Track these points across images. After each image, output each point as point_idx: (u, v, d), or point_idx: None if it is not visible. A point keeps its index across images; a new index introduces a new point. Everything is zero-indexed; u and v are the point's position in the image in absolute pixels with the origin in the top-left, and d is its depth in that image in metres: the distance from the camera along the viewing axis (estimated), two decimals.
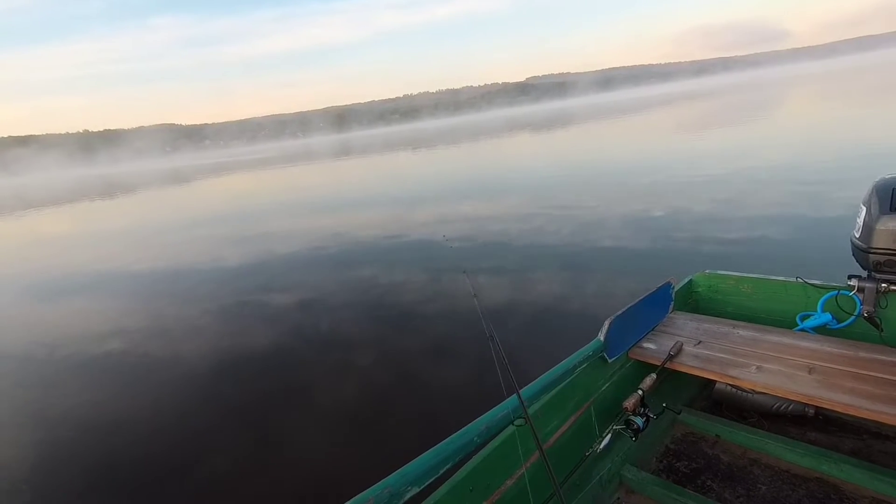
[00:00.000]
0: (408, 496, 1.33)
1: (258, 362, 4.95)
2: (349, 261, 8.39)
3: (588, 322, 4.30)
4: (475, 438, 1.56)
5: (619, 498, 2.03)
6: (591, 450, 1.99)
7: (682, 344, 2.46)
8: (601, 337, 2.28)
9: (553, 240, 7.90)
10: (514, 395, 1.74)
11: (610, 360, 2.34)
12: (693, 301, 3.11)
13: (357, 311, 6.00)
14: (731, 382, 2.27)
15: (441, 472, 1.44)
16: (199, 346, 5.51)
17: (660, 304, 2.78)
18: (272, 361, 4.93)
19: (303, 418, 3.81)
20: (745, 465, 2.11)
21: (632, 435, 2.02)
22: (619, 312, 2.41)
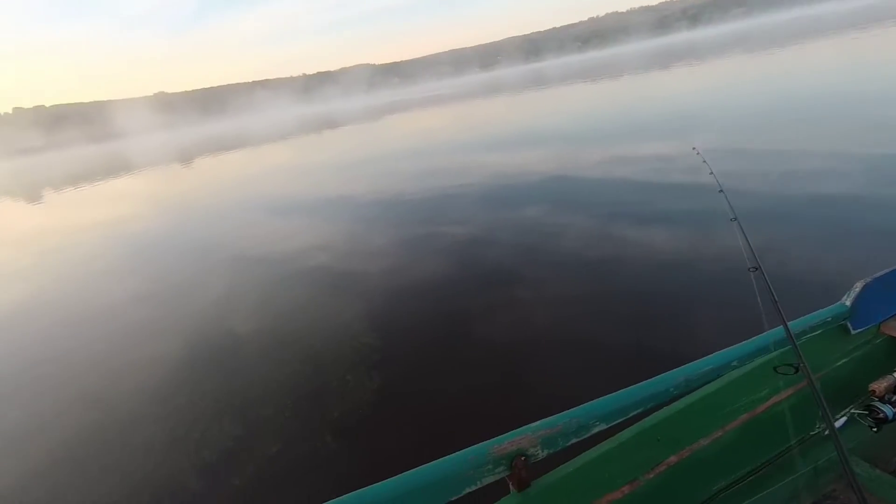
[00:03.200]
0: (594, 430, 1.36)
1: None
2: (563, 190, 8.37)
3: (830, 284, 3.57)
4: (671, 389, 1.48)
5: (834, 490, 1.70)
6: (816, 429, 1.67)
7: None
8: (847, 301, 1.88)
9: (774, 184, 6.58)
10: (727, 351, 1.54)
11: (854, 332, 1.92)
12: None
13: (592, 226, 6.08)
14: None
15: (630, 415, 1.42)
16: (387, 266, 6.20)
17: None
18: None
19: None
20: None
21: (873, 424, 1.65)
22: (878, 275, 1.94)
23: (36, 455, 3.59)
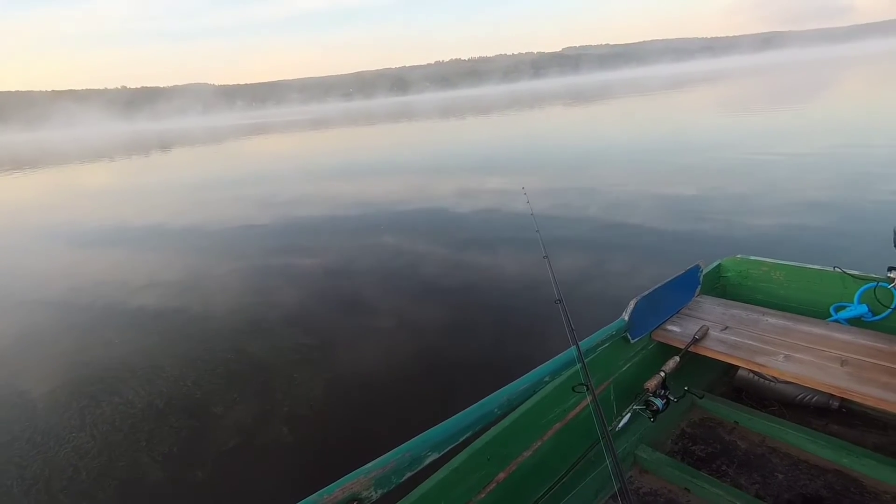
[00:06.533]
0: (427, 461, 1.37)
1: (298, 321, 5.12)
2: (407, 221, 8.54)
3: (608, 304, 4.29)
4: (495, 410, 1.57)
5: (631, 476, 2.05)
6: (610, 428, 2.01)
7: (708, 328, 2.44)
8: (625, 317, 2.28)
9: (581, 218, 7.79)
10: (540, 369, 1.77)
11: (633, 341, 2.34)
12: (721, 286, 3.06)
13: (410, 267, 6.11)
14: (756, 370, 2.25)
15: (461, 440, 1.46)
16: (226, 303, 5.74)
17: (686, 287, 2.74)
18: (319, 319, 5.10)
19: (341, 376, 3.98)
20: (762, 453, 2.10)
21: (650, 416, 2.02)
22: (645, 293, 2.40)
23: None
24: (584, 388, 1.66)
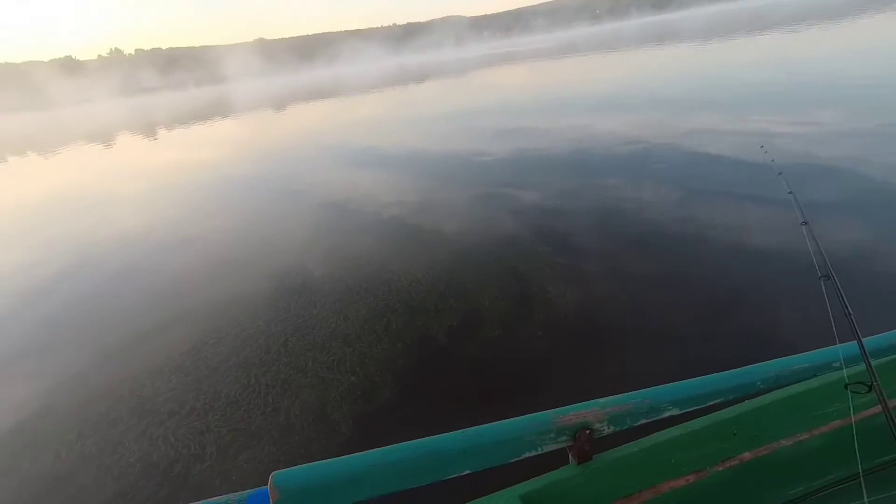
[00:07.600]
0: (666, 414, 1.31)
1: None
2: (635, 165, 7.89)
3: None
4: (758, 383, 1.40)
5: None
6: None
7: None
8: None
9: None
10: (827, 351, 1.48)
11: None
12: None
13: (639, 222, 5.70)
14: None
15: (707, 403, 1.35)
16: (455, 225, 6.36)
17: None
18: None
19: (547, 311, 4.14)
20: None
21: None
22: None
23: None
24: (864, 387, 1.40)
